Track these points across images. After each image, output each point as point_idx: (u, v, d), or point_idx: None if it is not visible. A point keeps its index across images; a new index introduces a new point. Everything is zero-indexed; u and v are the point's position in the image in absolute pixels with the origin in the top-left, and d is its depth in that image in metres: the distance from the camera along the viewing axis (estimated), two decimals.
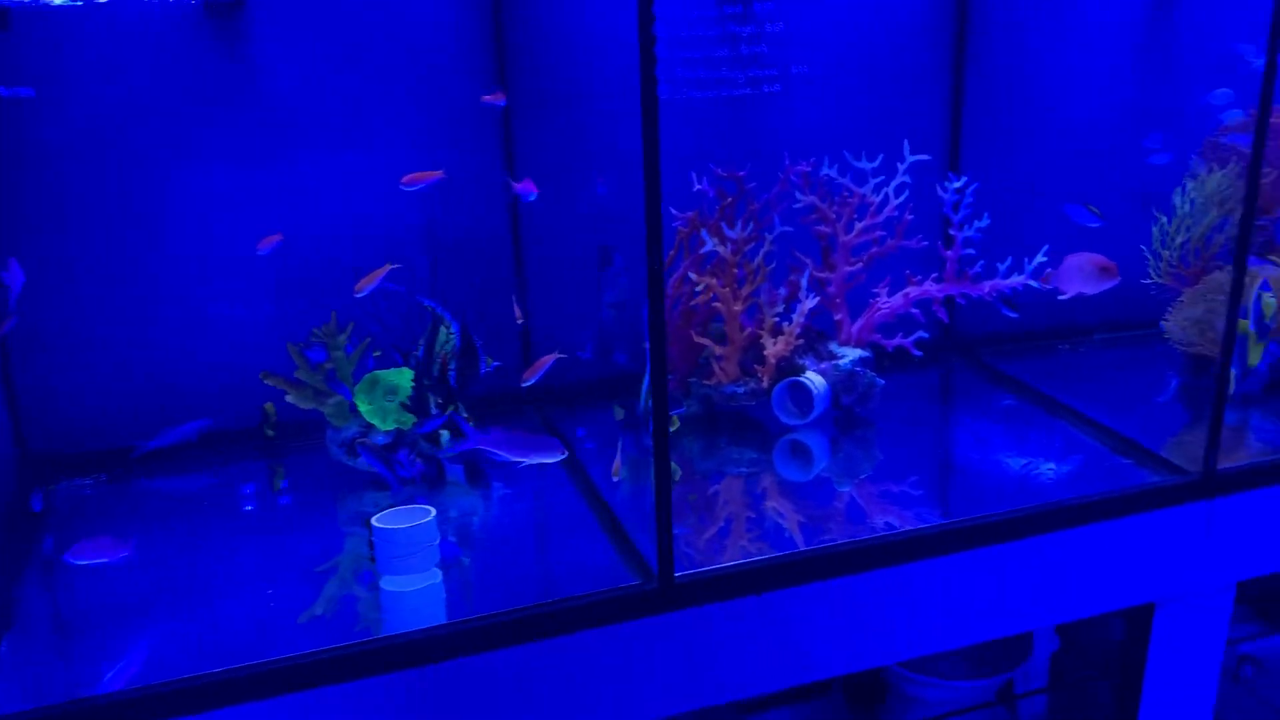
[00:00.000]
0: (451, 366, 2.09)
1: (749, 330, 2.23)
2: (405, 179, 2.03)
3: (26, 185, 2.01)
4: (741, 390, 2.22)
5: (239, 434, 2.21)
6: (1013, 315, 2.29)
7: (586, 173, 2.32)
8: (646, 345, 1.95)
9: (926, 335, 2.28)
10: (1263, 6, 1.80)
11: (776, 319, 2.23)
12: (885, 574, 1.77)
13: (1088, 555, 1.95)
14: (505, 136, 2.29)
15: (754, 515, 1.95)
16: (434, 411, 2.07)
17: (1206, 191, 2.25)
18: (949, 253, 2.26)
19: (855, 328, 2.31)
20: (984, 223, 2.22)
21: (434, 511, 1.73)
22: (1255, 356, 2.18)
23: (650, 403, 1.92)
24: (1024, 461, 2.13)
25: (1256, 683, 3.05)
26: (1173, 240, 2.30)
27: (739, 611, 1.69)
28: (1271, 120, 2.18)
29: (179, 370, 2.18)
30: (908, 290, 2.29)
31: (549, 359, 2.02)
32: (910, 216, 2.25)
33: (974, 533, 1.85)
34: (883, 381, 2.27)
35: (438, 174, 2.03)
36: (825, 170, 2.25)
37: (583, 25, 2.28)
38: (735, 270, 2.18)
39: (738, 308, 2.19)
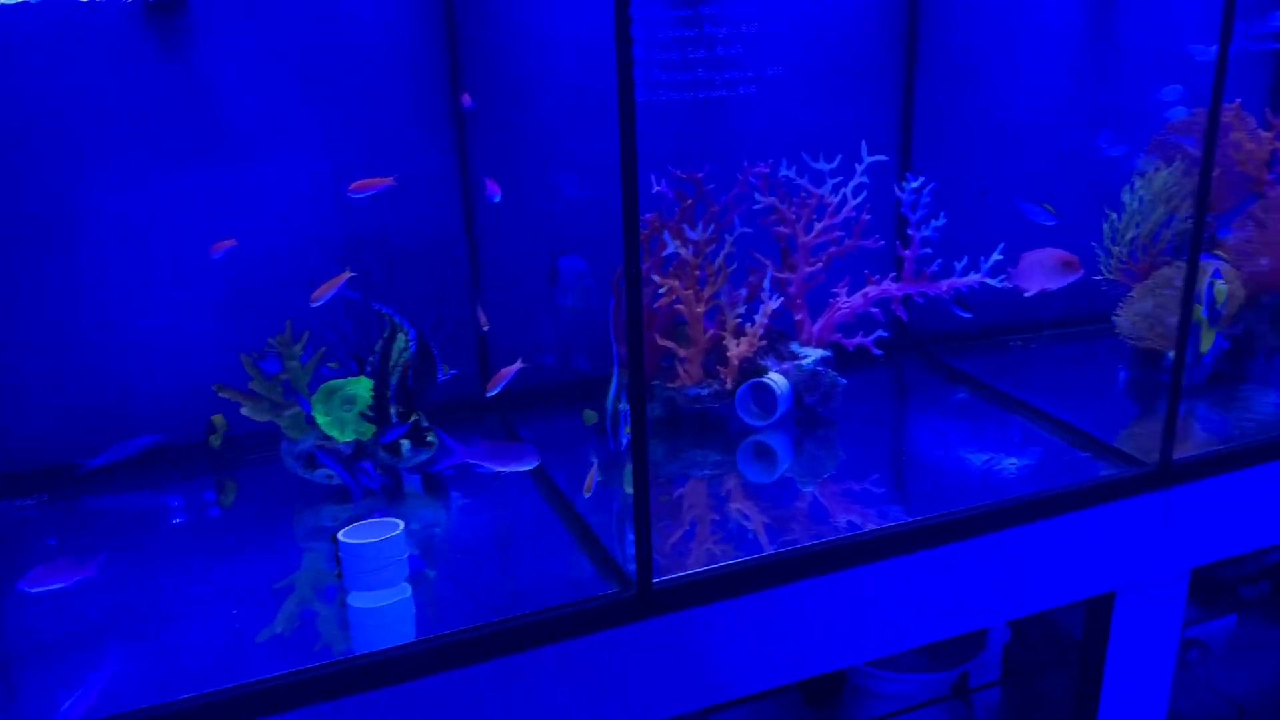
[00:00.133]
0: (397, 377, 2.05)
1: (711, 332, 2.22)
2: (354, 186, 1.98)
3: None
4: (705, 392, 2.21)
5: (189, 448, 2.14)
6: (966, 315, 2.32)
7: (541, 174, 2.29)
8: (614, 349, 1.94)
9: (887, 334, 2.30)
10: (1203, 3, 1.84)
11: (739, 320, 2.23)
12: (860, 572, 1.78)
13: (1052, 547, 1.98)
14: (459, 138, 2.25)
15: (725, 518, 1.94)
16: (394, 421, 2.02)
17: (1154, 189, 2.31)
18: (907, 252, 2.28)
19: (816, 328, 2.32)
20: (941, 222, 2.24)
21: (401, 525, 1.69)
22: (1207, 343, 2.24)
23: (618, 407, 1.90)
24: (986, 457, 2.15)
25: (1201, 666, 3.14)
26: (1123, 237, 2.35)
27: (717, 616, 1.68)
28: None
29: (125, 383, 2.10)
30: (867, 290, 2.30)
31: (512, 368, 1.98)
32: (867, 216, 2.26)
33: (943, 529, 1.86)
34: (844, 381, 2.28)
35: (387, 181, 1.98)
36: (784, 171, 2.25)
37: (537, 26, 2.25)
38: (697, 272, 2.17)
39: (700, 309, 2.18)
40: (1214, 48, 1.88)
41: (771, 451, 2.19)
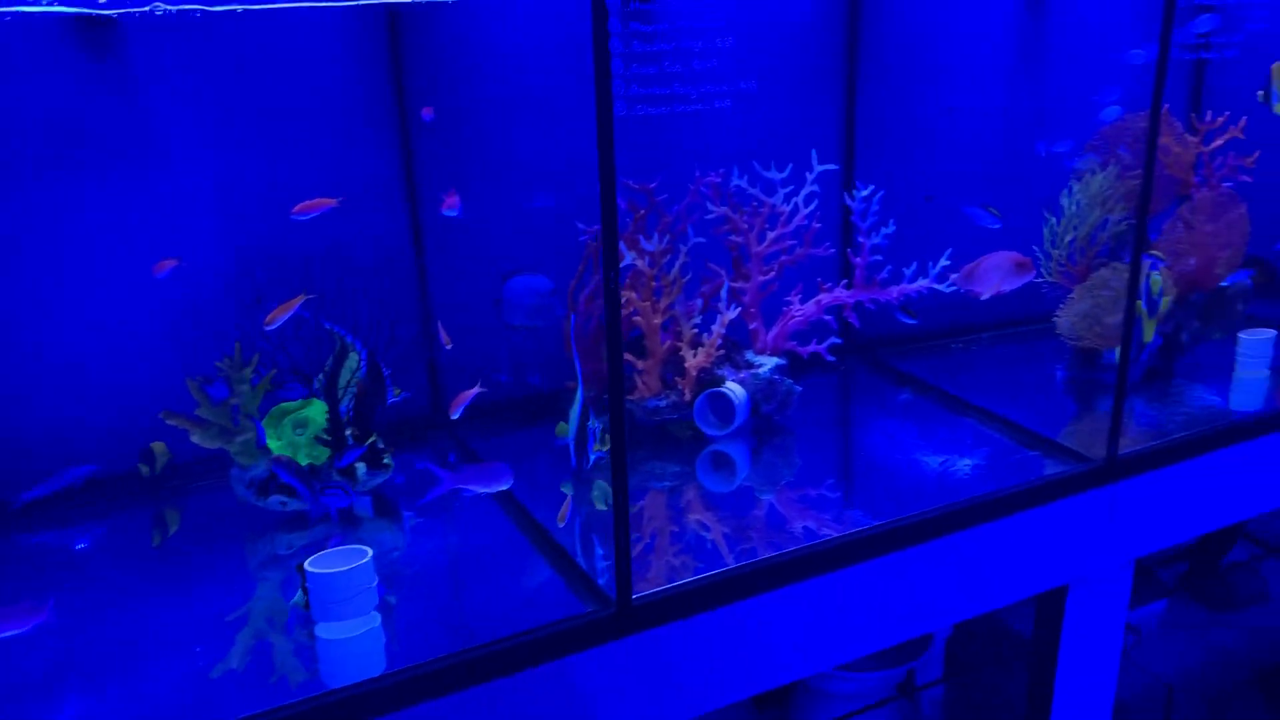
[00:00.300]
0: (351, 397, 1.99)
1: (668, 343, 2.22)
2: (297, 208, 1.92)
3: None
4: (664, 404, 2.21)
5: (127, 479, 2.05)
6: (911, 321, 2.36)
7: (490, 185, 2.26)
8: (577, 365, 1.92)
9: (840, 341, 2.32)
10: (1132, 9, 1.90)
11: (695, 330, 2.23)
12: (834, 577, 1.79)
13: (1011, 544, 2.03)
14: (404, 150, 2.20)
15: (690, 531, 1.93)
16: (350, 443, 1.96)
17: (1090, 192, 2.38)
18: (858, 259, 2.30)
19: (770, 336, 2.33)
20: (890, 229, 2.27)
21: (370, 551, 1.64)
22: (1149, 333, 2.32)
23: (587, 425, 1.88)
24: (941, 459, 2.19)
25: (1137, 651, 3.25)
26: (1061, 240, 2.42)
27: (696, 628, 1.67)
28: (1144, 124, 2.33)
29: (58, 411, 1.99)
30: (820, 297, 2.32)
31: (471, 392, 1.95)
32: (818, 225, 2.28)
33: (911, 531, 1.89)
34: (800, 388, 2.29)
35: (332, 202, 1.93)
36: (736, 181, 2.26)
37: (484, 39, 2.21)
38: (653, 283, 2.16)
39: (657, 320, 2.18)
40: (1143, 50, 1.95)
41: (731, 461, 2.19)
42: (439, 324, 1.95)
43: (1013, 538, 2.03)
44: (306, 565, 1.61)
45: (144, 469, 2.02)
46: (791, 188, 2.26)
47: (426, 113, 1.97)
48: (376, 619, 1.64)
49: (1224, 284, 2.57)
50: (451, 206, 1.94)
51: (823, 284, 2.35)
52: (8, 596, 1.69)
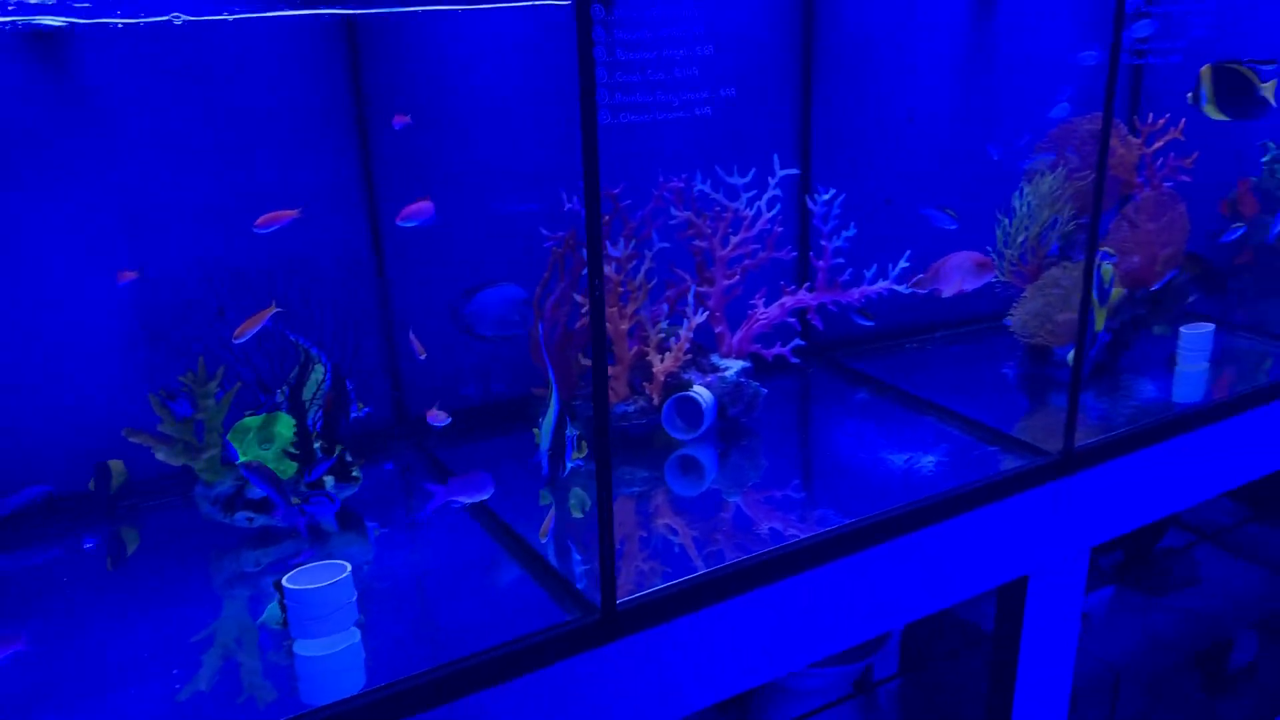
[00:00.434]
0: (318, 410, 1.96)
1: (635, 348, 2.22)
2: (259, 221, 1.89)
3: None
4: (633, 409, 2.21)
5: (84, 498, 1.99)
6: (868, 324, 2.40)
7: (450, 194, 2.24)
8: (550, 373, 1.91)
9: (804, 343, 2.35)
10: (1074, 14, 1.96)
11: (661, 336, 2.24)
12: (809, 575, 1.82)
13: (975, 537, 2.07)
14: (364, 162, 2.18)
15: (669, 535, 1.94)
16: (319, 456, 1.93)
17: (1040, 193, 2.45)
18: (820, 262, 2.34)
19: (735, 339, 2.35)
20: (851, 232, 2.31)
21: (349, 566, 1.62)
22: (1100, 322, 2.39)
23: (564, 433, 1.88)
24: (905, 457, 2.23)
25: (1085, 636, 3.35)
26: (1014, 240, 2.48)
27: (678, 631, 1.68)
28: (1089, 127, 2.41)
29: (12, 431, 1.93)
30: (784, 300, 2.35)
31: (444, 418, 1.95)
32: (780, 229, 2.31)
33: (882, 527, 1.92)
34: (766, 390, 2.32)
35: (293, 213, 1.90)
36: (699, 186, 2.28)
37: (443, 48, 2.20)
38: (620, 289, 2.17)
39: (624, 326, 2.18)
40: (1094, 52, 2.01)
41: (700, 465, 2.21)
42: (411, 334, 1.93)
43: (977, 531, 2.07)
44: (285, 581, 1.58)
45: (93, 484, 1.97)
46: (755, 192, 2.29)
47: (398, 121, 1.95)
48: (356, 634, 1.62)
49: (1165, 280, 2.66)
50: (408, 217, 1.91)
51: (786, 287, 2.38)
52: None
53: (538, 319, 2.19)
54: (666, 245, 2.26)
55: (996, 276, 2.51)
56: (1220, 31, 2.28)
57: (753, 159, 2.33)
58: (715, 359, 2.31)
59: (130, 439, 1.83)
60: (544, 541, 1.83)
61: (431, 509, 1.84)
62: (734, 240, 2.28)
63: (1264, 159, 3.14)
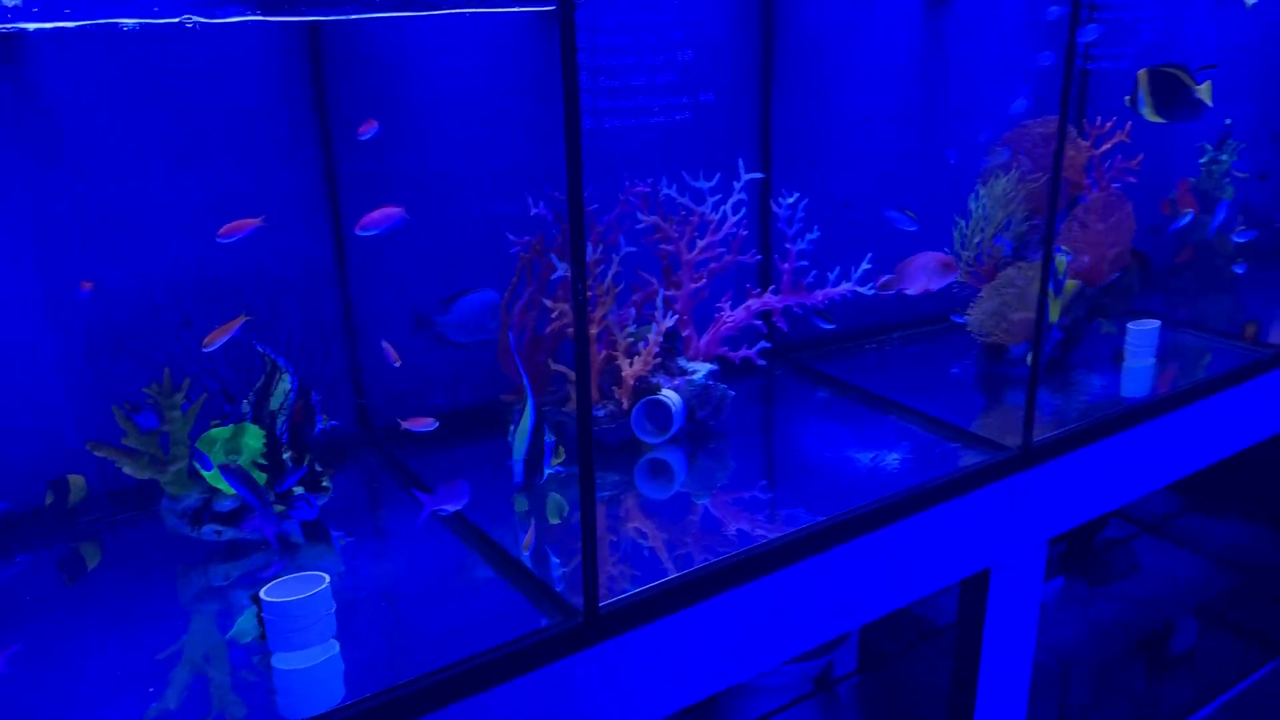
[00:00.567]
0: (285, 420, 1.94)
1: (604, 353, 2.23)
2: (223, 230, 1.86)
3: None
4: (603, 413, 2.22)
5: (41, 514, 1.94)
6: (828, 326, 2.44)
7: (416, 200, 2.23)
8: (525, 379, 1.91)
9: (769, 345, 2.38)
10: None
11: (630, 339, 2.25)
12: (782, 574, 1.85)
13: (939, 532, 2.12)
14: (328, 170, 2.16)
15: (642, 539, 1.95)
16: (289, 466, 1.91)
17: (994, 196, 2.51)
18: (785, 265, 2.37)
19: (702, 342, 2.37)
20: (815, 235, 2.34)
21: (328, 578, 1.60)
22: (1054, 314, 2.45)
23: (542, 439, 1.88)
24: (871, 455, 2.27)
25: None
26: (970, 241, 2.54)
27: (659, 632, 1.69)
28: (1041, 130, 2.47)
29: None
30: (750, 303, 2.38)
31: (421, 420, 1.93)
32: (744, 232, 2.34)
33: (849, 526, 1.95)
34: (733, 393, 2.34)
35: (256, 222, 1.87)
36: (665, 190, 2.29)
37: (406, 55, 2.19)
38: (588, 294, 2.17)
39: (594, 330, 2.18)
40: (1047, 54, 2.06)
41: (670, 468, 2.22)
42: (384, 342, 1.91)
43: (942, 525, 2.12)
44: (262, 594, 1.56)
45: (50, 500, 1.91)
46: (720, 196, 2.31)
47: (365, 129, 1.93)
48: (335, 646, 1.60)
49: (1112, 278, 2.75)
50: (367, 226, 1.88)
51: (751, 290, 2.40)
52: None
53: (506, 325, 2.19)
54: (633, 250, 2.27)
55: (959, 277, 2.57)
56: (1170, 37, 2.36)
57: (717, 162, 2.35)
58: (683, 362, 2.33)
59: (95, 453, 1.79)
60: (527, 552, 1.82)
61: (423, 518, 1.82)
62: (700, 244, 2.30)
63: (1202, 160, 3.25)
